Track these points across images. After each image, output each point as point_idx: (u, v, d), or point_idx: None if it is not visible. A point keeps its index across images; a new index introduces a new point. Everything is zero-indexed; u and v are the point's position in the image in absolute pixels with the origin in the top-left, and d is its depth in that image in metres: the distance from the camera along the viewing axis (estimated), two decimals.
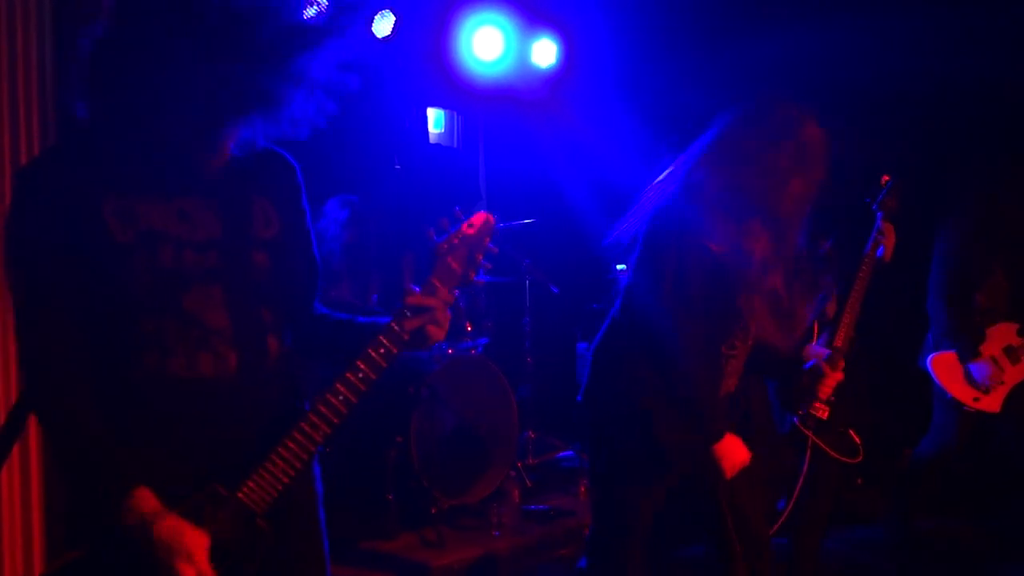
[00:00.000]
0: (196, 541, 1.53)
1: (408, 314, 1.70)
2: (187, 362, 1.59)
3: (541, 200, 6.15)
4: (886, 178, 3.63)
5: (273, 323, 1.72)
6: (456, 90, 5.95)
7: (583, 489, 4.70)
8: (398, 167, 5.99)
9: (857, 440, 3.48)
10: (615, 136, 5.81)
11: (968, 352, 3.97)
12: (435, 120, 6.55)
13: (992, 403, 3.93)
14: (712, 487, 2.56)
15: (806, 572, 3.66)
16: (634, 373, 2.51)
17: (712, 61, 5.52)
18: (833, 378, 3.02)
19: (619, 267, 5.86)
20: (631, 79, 5.79)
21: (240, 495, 1.59)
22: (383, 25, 5.34)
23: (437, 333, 1.74)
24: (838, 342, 3.47)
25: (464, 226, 1.78)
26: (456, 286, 1.77)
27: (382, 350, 1.67)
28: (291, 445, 1.61)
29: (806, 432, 3.41)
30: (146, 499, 1.53)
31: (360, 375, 1.65)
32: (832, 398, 3.40)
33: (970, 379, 3.94)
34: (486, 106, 6.48)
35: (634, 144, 5.69)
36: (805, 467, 3.45)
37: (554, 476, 5.04)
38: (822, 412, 3.42)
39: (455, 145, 6.63)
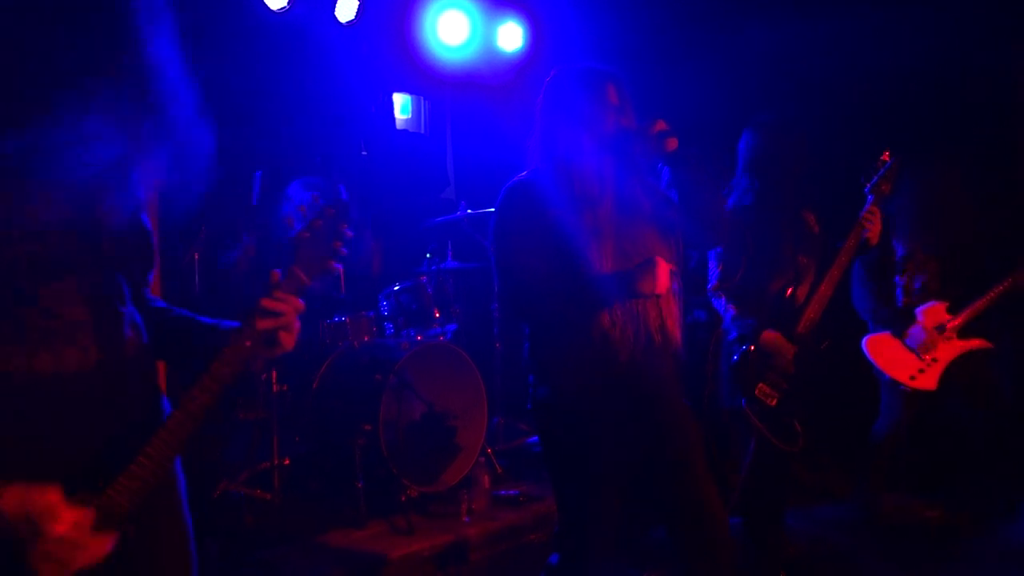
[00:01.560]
0: (49, 497, 1.47)
1: (259, 316, 1.70)
2: (53, 359, 1.55)
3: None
4: (886, 156, 3.62)
5: (129, 312, 1.69)
6: (422, 75, 5.90)
7: None
8: (365, 153, 5.94)
9: (799, 430, 3.47)
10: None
11: (901, 328, 4.03)
12: (402, 106, 6.50)
13: (928, 381, 4.00)
14: (666, 470, 2.56)
15: (767, 551, 3.69)
16: (537, 362, 2.62)
17: (679, 45, 5.52)
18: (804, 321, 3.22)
19: None
20: (598, 63, 5.76)
21: (106, 498, 1.55)
22: (346, 9, 5.28)
23: (287, 340, 1.74)
24: (800, 328, 3.47)
25: (320, 213, 1.80)
26: (316, 275, 1.78)
27: (227, 369, 1.67)
28: (157, 444, 1.59)
29: (750, 415, 3.41)
30: None
31: (214, 385, 1.65)
32: (785, 385, 3.41)
33: (908, 350, 4.00)
34: (453, 91, 6.45)
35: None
36: (752, 449, 3.47)
37: (524, 461, 5.03)
38: (771, 399, 3.42)
39: (422, 131, 6.59)
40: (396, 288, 4.73)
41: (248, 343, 1.68)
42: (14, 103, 1.49)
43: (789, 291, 3.57)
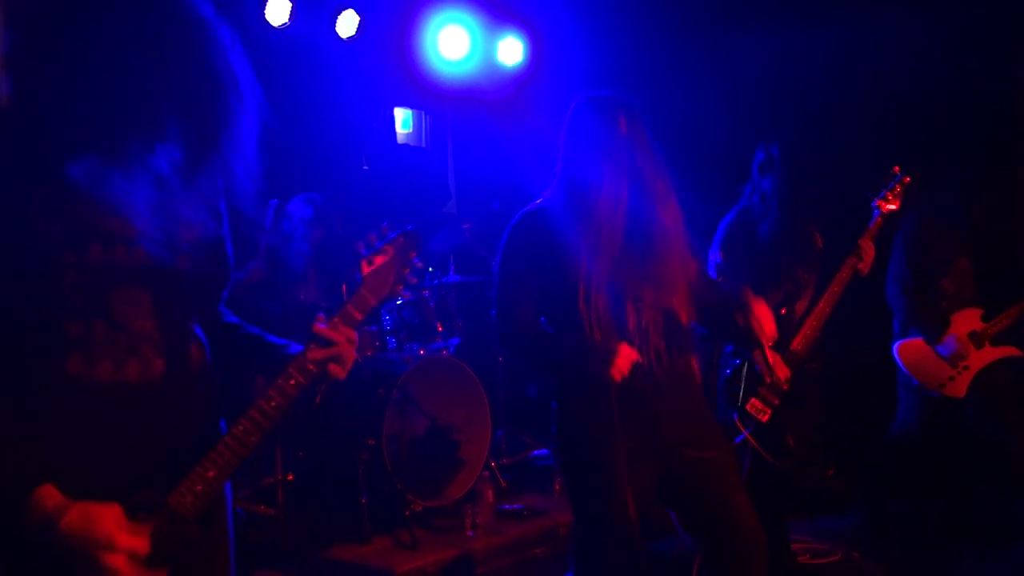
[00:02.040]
0: (109, 522, 1.47)
1: (314, 345, 1.72)
2: (114, 367, 1.56)
3: (511, 199, 6.14)
4: (896, 169, 3.61)
5: (195, 329, 1.72)
6: (423, 90, 5.93)
7: (558, 487, 4.69)
8: (366, 168, 5.96)
9: (792, 446, 3.45)
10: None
11: (934, 335, 4.02)
12: (403, 120, 6.52)
13: (957, 388, 3.99)
14: (699, 484, 2.57)
15: (775, 561, 3.67)
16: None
17: (678, 58, 5.54)
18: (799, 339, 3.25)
19: None
20: (597, 77, 5.78)
21: (171, 500, 1.57)
22: (346, 25, 5.31)
23: (337, 372, 1.75)
24: (795, 345, 3.45)
25: (390, 241, 1.83)
26: (384, 296, 1.81)
27: (292, 381, 1.70)
28: (222, 450, 1.62)
29: (742, 430, 3.38)
30: (50, 495, 1.45)
31: (273, 404, 1.68)
32: (776, 401, 3.37)
33: (940, 358, 3.99)
34: (454, 106, 6.47)
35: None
36: (747, 464, 3.45)
37: (528, 475, 5.02)
38: (763, 414, 3.38)
39: (423, 145, 6.61)
40: (399, 302, 4.72)
41: (300, 369, 1.70)
42: (104, 123, 1.52)
43: (784, 310, 3.57)
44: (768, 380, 3.25)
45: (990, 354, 4.00)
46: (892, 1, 5.02)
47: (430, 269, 5.05)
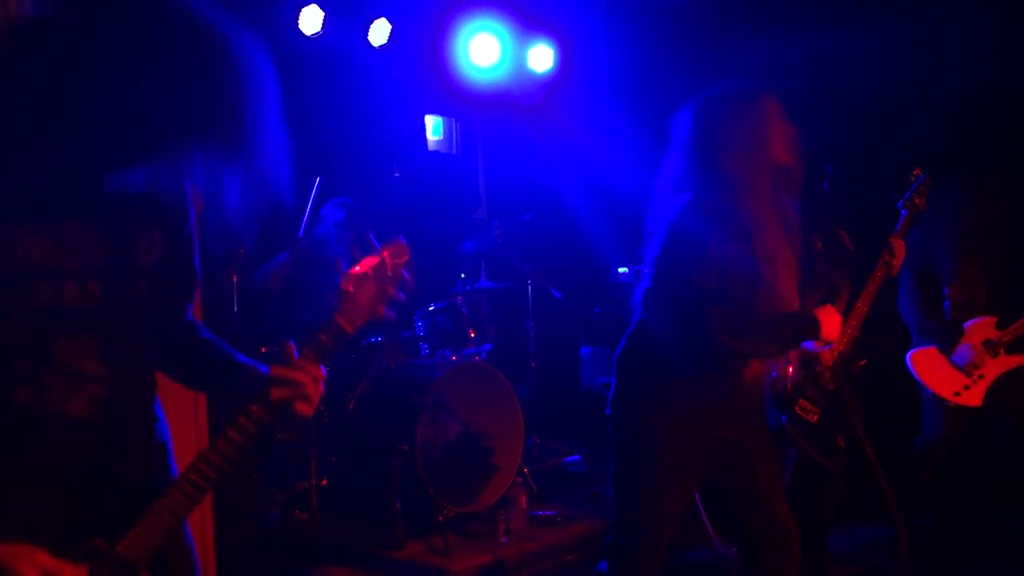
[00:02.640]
0: (39, 559, 1.39)
1: (272, 386, 1.58)
2: (62, 402, 1.48)
3: (541, 205, 6.16)
4: (917, 172, 3.62)
5: (147, 361, 1.63)
6: (454, 97, 5.97)
7: (590, 494, 4.69)
8: (397, 175, 6.00)
9: (842, 446, 3.46)
10: (613, 141, 5.82)
11: (947, 344, 3.98)
12: (433, 127, 6.56)
13: (973, 397, 3.94)
14: (742, 485, 2.59)
15: (810, 573, 3.65)
16: (655, 377, 2.59)
17: (708, 65, 5.53)
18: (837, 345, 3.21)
19: (620, 270, 5.88)
20: (627, 83, 5.80)
21: (120, 549, 1.48)
22: (379, 33, 5.35)
23: (304, 409, 1.61)
24: (839, 345, 3.46)
25: (375, 256, 1.65)
26: (363, 322, 1.63)
27: (254, 421, 1.57)
28: (176, 496, 1.52)
29: (792, 432, 3.39)
30: None
31: (232, 445, 1.56)
32: (825, 402, 3.39)
33: (955, 367, 3.95)
34: (484, 113, 6.50)
35: (631, 148, 5.72)
36: (791, 468, 3.45)
37: (561, 481, 5.02)
38: (812, 415, 3.39)
39: (454, 152, 6.64)
40: (431, 308, 4.75)
41: (260, 411, 1.57)
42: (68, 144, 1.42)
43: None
44: (822, 382, 3.32)
45: (1006, 362, 3.95)
46: (909, 4, 5.00)
47: (462, 276, 5.08)
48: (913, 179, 3.60)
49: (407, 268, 1.65)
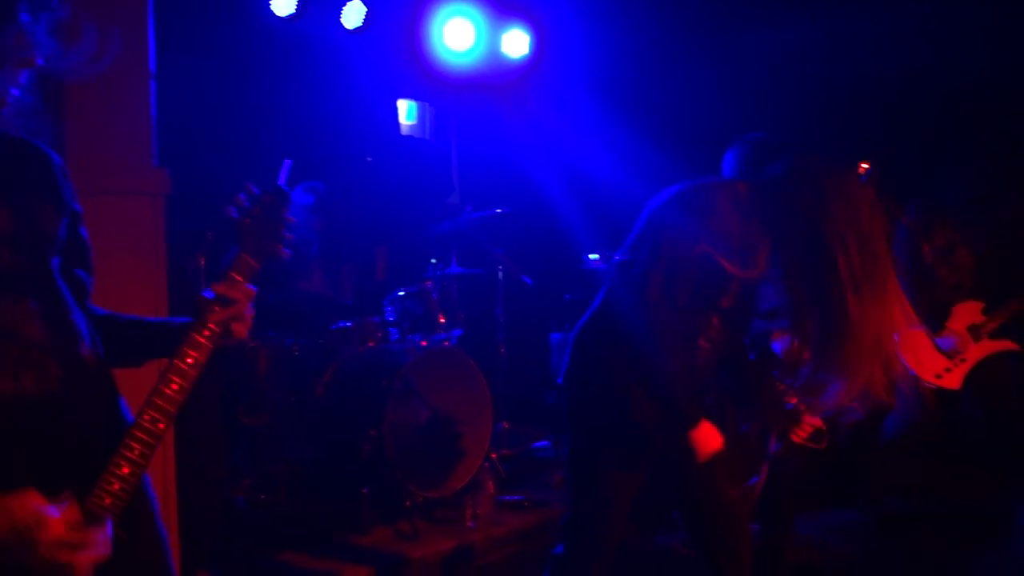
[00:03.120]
0: (30, 503, 1.42)
1: (214, 308, 1.67)
2: (12, 380, 1.51)
3: (514, 191, 6.15)
4: (864, 166, 3.67)
5: (81, 325, 1.67)
6: (427, 81, 5.94)
7: (557, 479, 4.72)
8: (370, 159, 5.97)
9: (823, 428, 3.51)
10: (586, 126, 5.83)
11: (934, 325, 4.03)
12: (407, 112, 6.52)
13: (953, 380, 3.99)
14: (689, 474, 2.60)
15: (777, 558, 3.70)
16: (615, 356, 2.55)
17: (680, 50, 5.54)
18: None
19: (591, 256, 5.89)
20: (601, 70, 5.80)
21: (89, 504, 1.51)
22: (353, 16, 5.31)
23: (240, 330, 1.72)
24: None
25: (259, 199, 1.76)
26: (267, 257, 1.75)
27: (190, 360, 1.64)
28: (131, 444, 1.56)
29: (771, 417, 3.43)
30: None
31: (174, 387, 1.62)
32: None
33: (938, 351, 4.00)
34: (458, 97, 6.47)
35: (604, 135, 5.73)
36: (771, 452, 3.48)
37: (529, 466, 5.04)
38: (790, 398, 3.45)
39: (427, 136, 6.61)
40: (401, 293, 4.74)
41: (203, 337, 1.65)
42: None
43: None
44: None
45: (988, 347, 4.01)
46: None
47: (433, 260, 5.06)
48: (862, 171, 3.66)
49: (290, 210, 1.78)
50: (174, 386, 1.61)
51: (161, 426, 1.59)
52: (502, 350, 5.23)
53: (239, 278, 1.70)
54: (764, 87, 5.32)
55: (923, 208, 4.08)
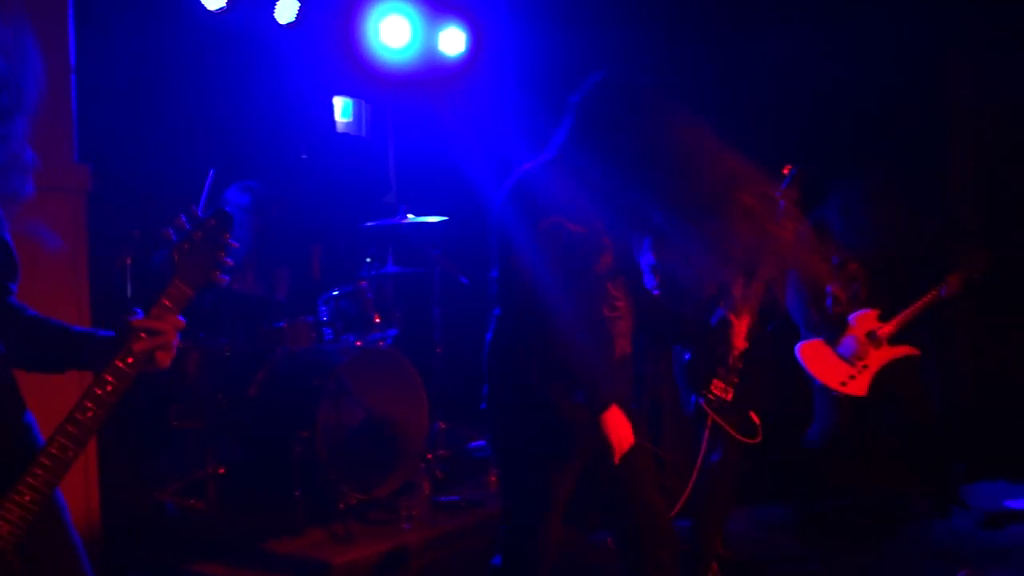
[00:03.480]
0: None
1: (140, 336, 1.63)
2: None
3: (451, 189, 6.12)
4: (788, 168, 3.75)
5: None
6: (363, 78, 5.87)
7: (494, 479, 4.70)
8: (305, 157, 5.89)
9: (757, 422, 3.58)
10: (523, 126, 5.82)
11: (832, 336, 4.14)
12: (342, 109, 6.44)
13: (859, 387, 4.11)
14: (611, 471, 2.60)
15: (710, 553, 3.74)
16: (525, 363, 2.55)
17: (613, 49, 5.57)
18: (742, 324, 3.24)
19: None
20: (537, 69, 5.80)
21: None
22: (286, 11, 5.22)
23: (164, 359, 1.68)
24: (741, 326, 3.57)
25: (201, 223, 1.73)
26: (201, 285, 1.72)
27: (109, 388, 1.60)
28: (37, 472, 1.53)
29: (708, 411, 3.50)
30: None
31: (89, 414, 1.58)
32: (736, 380, 3.50)
33: (840, 358, 4.10)
34: (394, 95, 6.41)
35: (541, 134, 5.72)
36: (703, 448, 3.53)
37: (465, 466, 5.02)
38: (727, 393, 3.51)
39: (363, 134, 6.54)
40: (335, 293, 4.68)
41: (125, 365, 1.61)
42: None
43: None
44: (730, 360, 3.42)
45: (888, 353, 4.13)
46: (818, 8, 5.15)
47: (368, 259, 5.01)
48: (786, 174, 3.74)
49: (232, 235, 1.76)
50: (88, 413, 1.57)
51: (70, 453, 1.55)
52: (438, 350, 5.20)
53: (170, 305, 1.67)
54: (696, 93, 5.39)
55: (814, 223, 4.18)
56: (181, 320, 1.68)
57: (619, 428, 2.48)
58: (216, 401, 4.29)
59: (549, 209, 2.48)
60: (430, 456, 4.69)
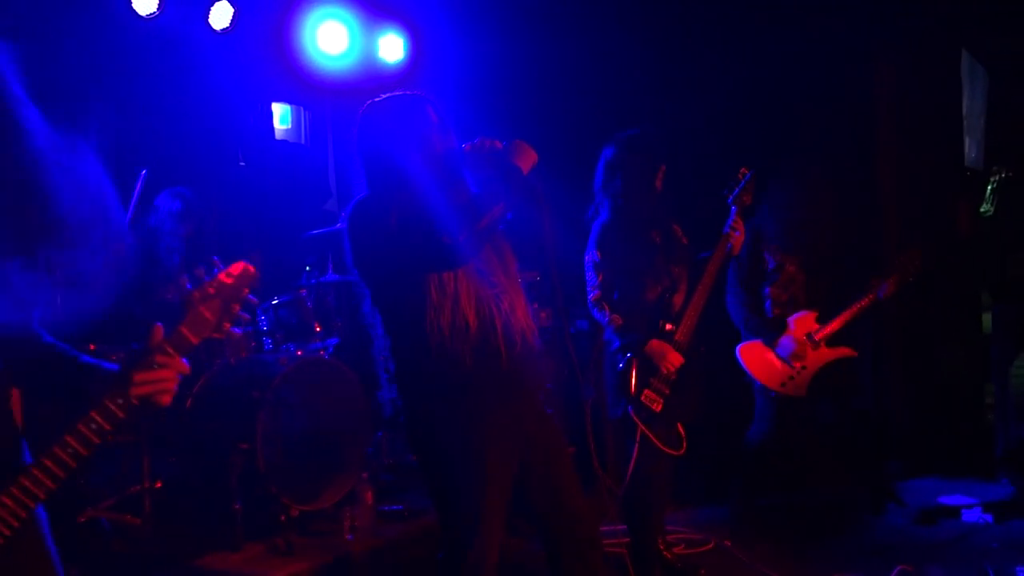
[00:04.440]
0: None
1: (134, 386, 1.63)
2: None
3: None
4: (744, 171, 3.79)
5: None
6: (302, 85, 5.80)
7: None
8: (242, 164, 5.80)
9: (683, 434, 3.62)
10: (461, 130, 5.80)
11: (770, 338, 4.20)
12: (281, 116, 6.37)
13: (798, 388, 4.17)
14: (538, 476, 2.59)
15: (652, 556, 3.77)
16: (413, 363, 2.57)
17: (554, 56, 5.61)
18: (682, 336, 3.43)
19: None
20: (476, 76, 5.81)
21: None
22: (220, 16, 5.14)
23: (164, 399, 1.69)
24: (679, 335, 3.62)
25: (222, 275, 1.73)
26: (207, 336, 1.72)
27: (94, 426, 1.60)
28: (18, 493, 1.53)
29: (636, 421, 3.52)
30: None
31: (70, 450, 1.57)
32: (667, 391, 3.54)
33: (780, 359, 4.17)
34: (334, 101, 6.36)
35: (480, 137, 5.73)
36: (635, 454, 3.56)
37: (409, 476, 4.97)
38: (656, 404, 3.55)
39: (303, 141, 6.47)
40: (275, 302, 4.61)
41: (119, 410, 1.61)
42: None
43: (666, 297, 3.70)
44: (664, 372, 3.45)
45: (826, 354, 4.20)
46: (756, 10, 5.24)
47: (307, 268, 4.95)
48: (740, 177, 3.78)
49: (253, 291, 1.76)
50: (70, 450, 1.57)
51: (53, 478, 1.56)
52: (380, 358, 5.16)
53: (172, 352, 1.67)
54: (631, 93, 5.46)
55: (752, 227, 4.24)
56: (185, 364, 1.68)
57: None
58: (152, 414, 4.19)
59: (371, 230, 2.57)
60: (373, 465, 4.64)
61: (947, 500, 4.76)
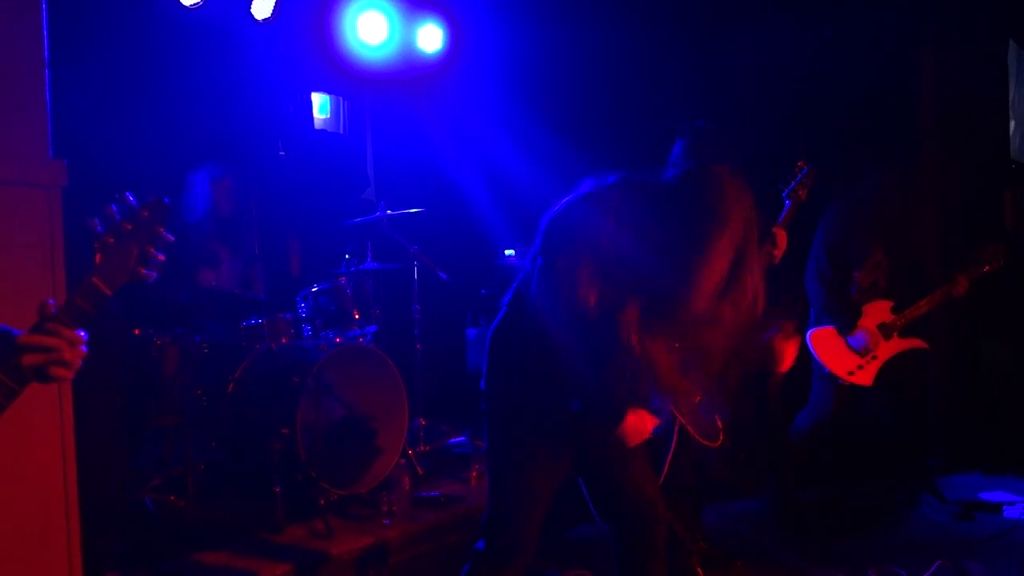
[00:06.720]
0: None
1: (23, 352, 1.50)
2: None
3: (430, 185, 6.13)
4: (801, 164, 3.73)
5: None
6: (341, 75, 5.85)
7: (474, 475, 4.71)
8: (282, 153, 5.86)
9: (720, 425, 3.59)
10: (502, 122, 5.83)
11: (846, 326, 4.16)
12: (320, 105, 6.42)
13: (865, 377, 4.14)
14: (610, 465, 2.62)
15: (689, 546, 3.76)
16: (535, 353, 2.52)
17: (596, 46, 5.59)
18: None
19: (507, 252, 5.90)
20: (516, 65, 5.82)
21: None
22: (262, 7, 5.20)
23: (61, 373, 1.54)
24: None
25: (133, 214, 1.59)
26: (123, 283, 1.57)
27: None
28: None
29: (675, 412, 3.50)
30: None
31: None
32: (707, 383, 3.51)
33: (850, 349, 4.14)
34: (373, 91, 6.41)
35: (520, 130, 5.75)
36: (673, 445, 3.55)
37: (445, 462, 5.02)
38: (694, 396, 3.51)
39: (341, 131, 6.52)
40: (314, 289, 4.66)
41: (8, 379, 1.50)
42: None
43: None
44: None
45: (897, 345, 4.17)
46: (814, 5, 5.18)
47: (347, 256, 5.00)
48: (798, 171, 3.71)
49: (167, 227, 1.61)
50: None
51: None
52: (418, 346, 5.20)
53: (81, 304, 1.52)
54: (687, 86, 5.42)
55: (841, 212, 4.21)
56: (79, 335, 1.54)
57: (634, 431, 2.53)
58: (195, 398, 4.27)
59: (609, 228, 2.46)
60: (410, 452, 4.69)
61: (988, 496, 4.71)
